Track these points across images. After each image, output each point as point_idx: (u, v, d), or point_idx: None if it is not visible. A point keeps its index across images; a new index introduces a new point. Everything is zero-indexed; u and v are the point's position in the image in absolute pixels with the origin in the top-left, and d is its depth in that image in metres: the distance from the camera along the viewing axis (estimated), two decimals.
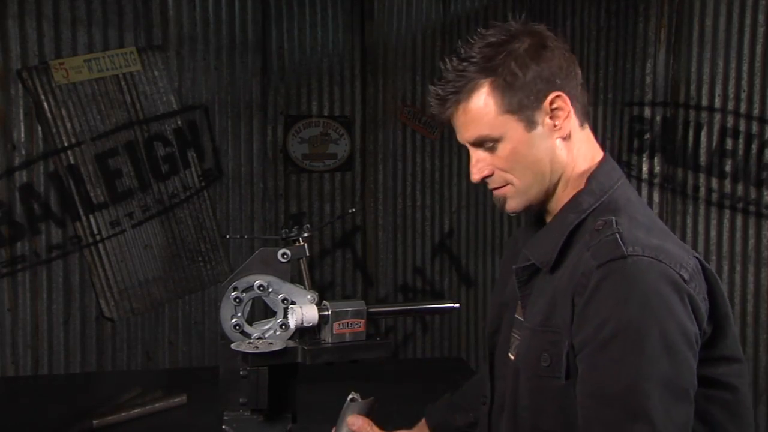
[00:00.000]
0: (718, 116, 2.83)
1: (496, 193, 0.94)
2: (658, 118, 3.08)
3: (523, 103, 0.89)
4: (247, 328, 1.19)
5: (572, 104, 0.91)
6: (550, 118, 0.90)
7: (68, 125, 3.58)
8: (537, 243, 0.93)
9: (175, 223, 3.81)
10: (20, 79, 3.49)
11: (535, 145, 0.90)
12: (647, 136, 3.13)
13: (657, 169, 3.08)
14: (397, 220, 4.20)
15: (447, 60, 0.91)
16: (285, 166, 4.03)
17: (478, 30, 0.92)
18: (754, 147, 2.72)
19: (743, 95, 2.71)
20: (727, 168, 2.81)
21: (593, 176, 0.92)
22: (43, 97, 3.51)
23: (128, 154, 3.69)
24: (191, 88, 3.80)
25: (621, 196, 0.91)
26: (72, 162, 3.59)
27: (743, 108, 2.72)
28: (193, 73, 3.80)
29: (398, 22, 3.99)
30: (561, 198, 0.94)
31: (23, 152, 3.55)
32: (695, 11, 2.82)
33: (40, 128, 3.54)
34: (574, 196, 0.93)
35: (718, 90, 2.80)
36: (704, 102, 2.86)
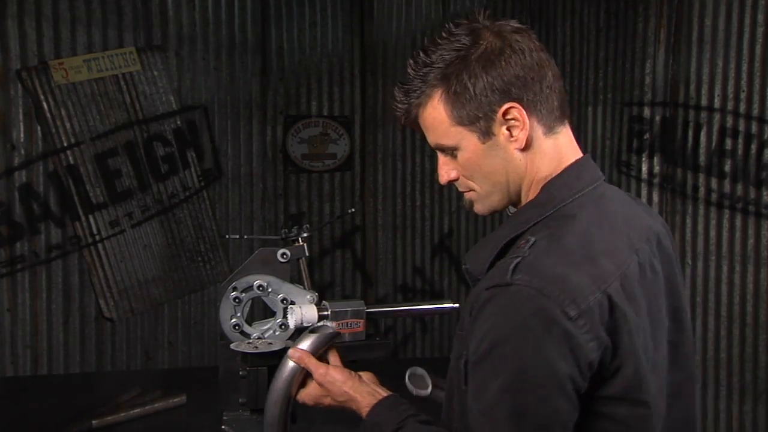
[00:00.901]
0: (717, 116, 2.84)
1: (464, 195, 0.94)
2: (657, 118, 3.07)
3: (473, 115, 0.87)
4: (247, 328, 1.19)
5: (534, 112, 0.87)
6: (507, 128, 0.87)
7: (68, 125, 3.58)
8: (475, 252, 0.93)
9: (175, 223, 3.81)
10: (19, 79, 3.49)
11: (490, 155, 0.88)
12: (647, 136, 3.12)
13: (656, 169, 3.07)
14: (396, 220, 4.20)
15: (411, 60, 0.89)
16: (284, 166, 4.02)
17: (447, 26, 0.89)
18: (754, 147, 2.72)
19: (743, 95, 2.70)
20: (727, 168, 2.80)
21: (546, 187, 0.89)
22: (42, 97, 3.52)
23: (128, 154, 3.68)
24: (191, 88, 3.80)
25: (570, 210, 0.87)
26: (71, 162, 3.59)
27: (743, 108, 2.71)
28: (192, 73, 3.79)
29: (398, 22, 3.98)
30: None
31: (22, 152, 3.54)
32: (695, 11, 2.82)
33: (39, 128, 3.53)
34: (520, 208, 0.92)
35: (718, 90, 2.80)
36: (704, 102, 2.87)
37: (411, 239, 4.22)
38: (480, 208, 0.93)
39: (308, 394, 1.03)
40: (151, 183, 3.74)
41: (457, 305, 1.16)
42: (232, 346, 1.13)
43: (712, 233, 2.86)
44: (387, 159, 4.16)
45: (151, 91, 3.71)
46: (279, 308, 1.19)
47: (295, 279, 1.20)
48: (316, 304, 1.15)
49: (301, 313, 1.12)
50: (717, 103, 2.83)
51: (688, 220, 2.93)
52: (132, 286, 3.73)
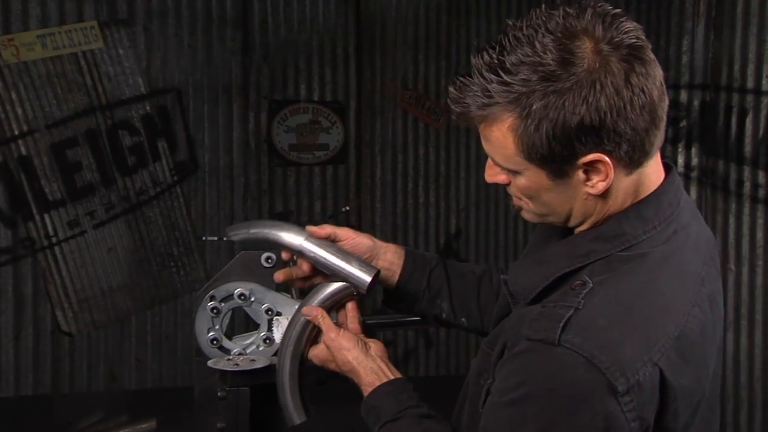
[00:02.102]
0: (765, 101, 2.82)
1: (512, 198, 0.96)
2: (695, 102, 3.08)
3: (547, 157, 0.86)
4: (226, 343, 1.20)
5: (623, 159, 0.86)
6: (584, 172, 0.87)
7: (19, 111, 3.54)
8: (521, 271, 0.96)
9: (144, 223, 3.81)
10: None
11: (556, 191, 0.90)
12: (683, 123, 3.14)
13: (694, 161, 3.09)
14: (397, 220, 4.23)
15: (480, 57, 0.86)
16: (269, 159, 4.03)
17: (534, 19, 0.85)
18: None
19: None
20: None
21: (618, 218, 0.90)
22: None
23: (89, 144, 3.66)
24: (161, 69, 3.78)
25: (639, 249, 0.88)
26: (24, 153, 3.57)
27: None
28: (163, 51, 3.78)
29: None
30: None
31: None
32: None
33: None
34: (581, 233, 0.92)
35: (766, 70, 2.83)
36: (749, 84, 2.86)
37: (413, 241, 4.24)
38: (529, 217, 0.96)
39: (316, 355, 1.10)
40: (116, 177, 3.74)
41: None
42: (209, 363, 1.14)
43: (759, 234, 2.86)
44: (386, 150, 4.18)
45: (115, 72, 3.68)
46: (263, 320, 1.20)
47: (282, 287, 1.20)
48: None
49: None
50: (765, 86, 2.82)
51: (732, 220, 2.92)
52: (94, 296, 3.72)
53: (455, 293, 1.22)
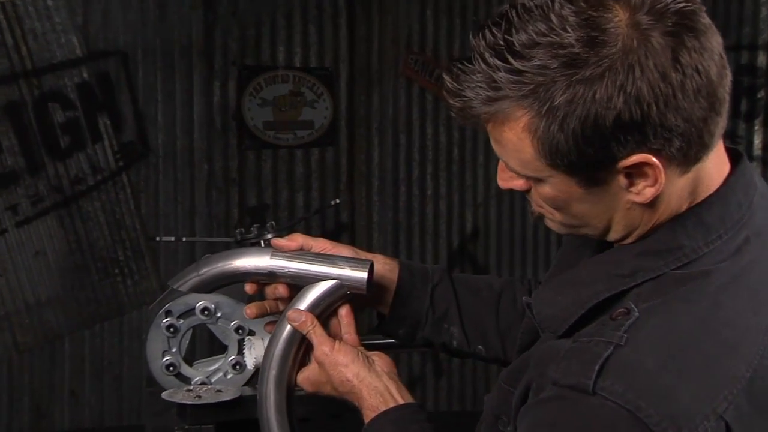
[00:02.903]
0: None
1: (533, 206, 0.97)
2: None
3: (577, 164, 0.85)
4: (186, 370, 1.23)
5: (676, 158, 0.84)
6: (626, 176, 0.86)
7: None
8: (548, 295, 0.96)
9: (81, 220, 3.82)
10: None
11: (589, 200, 0.89)
12: (761, 93, 3.11)
13: None
14: (399, 215, 4.23)
15: (480, 36, 0.84)
16: (239, 139, 4.03)
17: None
18: None
19: None
20: None
21: (671, 227, 0.88)
22: None
23: (10, 120, 3.63)
24: (102, 26, 3.76)
25: (701, 266, 0.87)
26: None
27: None
28: (105, 3, 3.75)
29: None
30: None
31: None
32: None
33: None
34: (623, 247, 0.93)
35: None
36: None
37: (420, 243, 4.24)
38: (556, 229, 0.96)
39: (307, 377, 1.12)
40: (46, 162, 3.71)
41: None
42: (164, 395, 1.18)
43: None
44: (386, 129, 4.17)
45: (44, 29, 3.66)
46: (232, 341, 1.22)
47: (257, 298, 1.22)
48: None
49: (263, 348, 1.15)
50: None
51: None
52: (17, 311, 3.69)
53: (467, 314, 1.24)
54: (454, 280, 1.25)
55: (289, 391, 1.13)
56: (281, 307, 1.17)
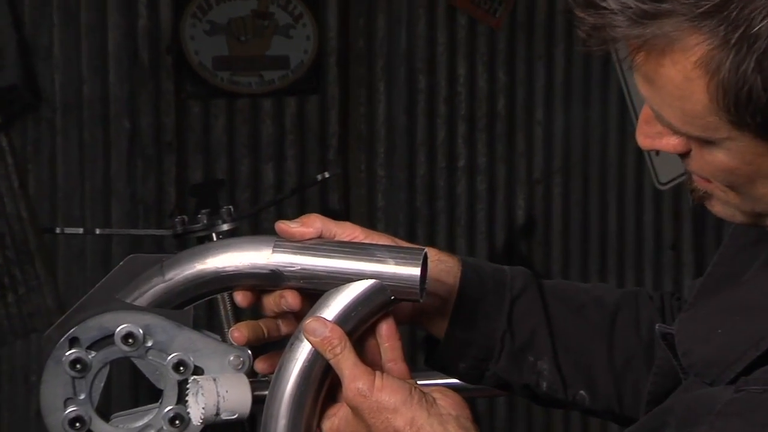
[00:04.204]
0: None
1: (692, 178, 1.01)
2: None
3: None
4: (100, 427, 1.19)
5: None
6: None
7: None
8: (700, 328, 0.99)
9: None
10: None
11: None
12: None
13: None
14: (416, 198, 4.08)
15: None
16: (177, 84, 3.88)
17: None
18: None
19: None
20: None
21: None
22: None
23: None
24: None
25: None
26: None
27: None
28: None
29: None
30: None
31: None
32: None
33: None
34: None
35: None
36: None
37: (447, 238, 4.11)
38: (725, 214, 0.99)
39: (335, 429, 1.11)
40: None
41: None
42: None
43: None
44: (396, 69, 4.01)
45: None
46: (170, 383, 1.17)
47: (204, 321, 1.32)
48: (248, 374, 1.19)
49: (217, 394, 1.14)
50: None
51: None
52: None
53: (564, 343, 1.22)
54: (545, 289, 1.24)
55: None
56: (284, 330, 1.17)
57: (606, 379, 1.21)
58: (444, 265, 1.17)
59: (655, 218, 4.20)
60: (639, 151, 3.91)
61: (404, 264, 1.05)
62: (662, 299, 1.24)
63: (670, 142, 0.93)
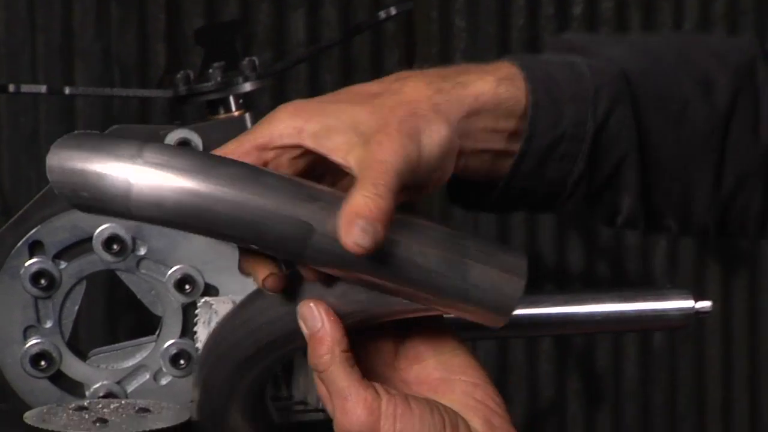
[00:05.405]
0: None
1: None
2: None
3: None
4: (74, 367, 1.17)
5: None
6: None
7: None
8: None
9: None
10: None
11: None
12: None
13: None
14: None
15: None
16: None
17: None
18: None
19: None
20: None
21: None
22: None
23: None
24: None
25: None
26: None
27: None
28: None
29: None
30: None
31: None
32: None
33: None
34: None
35: None
36: None
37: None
38: None
39: None
40: None
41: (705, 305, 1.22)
42: (28, 416, 1.06)
43: None
44: None
45: None
46: (171, 306, 1.14)
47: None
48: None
49: None
50: None
51: None
52: None
53: (657, 170, 0.99)
54: (639, 95, 0.93)
55: None
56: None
57: (705, 208, 1.00)
58: (506, 87, 0.88)
59: None
60: None
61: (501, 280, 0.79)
62: None
63: None
